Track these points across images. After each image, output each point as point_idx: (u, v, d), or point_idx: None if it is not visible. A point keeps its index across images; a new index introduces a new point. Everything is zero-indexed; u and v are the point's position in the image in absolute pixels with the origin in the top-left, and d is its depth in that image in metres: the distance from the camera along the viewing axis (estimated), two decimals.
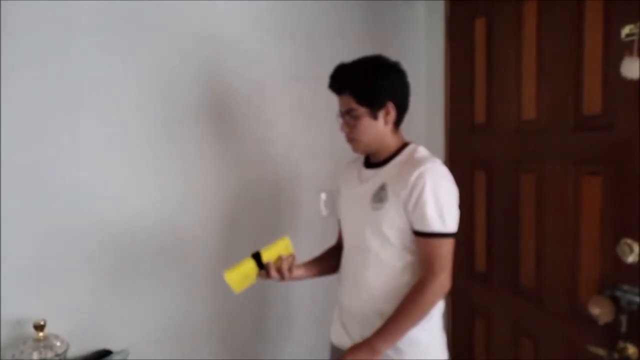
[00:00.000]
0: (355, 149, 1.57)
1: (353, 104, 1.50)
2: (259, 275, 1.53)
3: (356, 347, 1.44)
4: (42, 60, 1.61)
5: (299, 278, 1.62)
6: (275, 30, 2.08)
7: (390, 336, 1.43)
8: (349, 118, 1.52)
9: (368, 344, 1.43)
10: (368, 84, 1.50)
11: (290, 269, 1.54)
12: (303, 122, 2.18)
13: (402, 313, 1.43)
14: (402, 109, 1.55)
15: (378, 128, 1.52)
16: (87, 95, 1.70)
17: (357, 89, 1.50)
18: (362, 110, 1.50)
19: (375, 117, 1.51)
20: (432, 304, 1.44)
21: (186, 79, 1.88)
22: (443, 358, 1.57)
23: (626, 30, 1.50)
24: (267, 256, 1.50)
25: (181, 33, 1.86)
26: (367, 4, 2.29)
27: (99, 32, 1.70)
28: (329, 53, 2.14)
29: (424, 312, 1.43)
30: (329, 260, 1.73)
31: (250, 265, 1.48)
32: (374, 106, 1.50)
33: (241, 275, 1.48)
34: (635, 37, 1.47)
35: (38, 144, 1.63)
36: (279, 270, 1.53)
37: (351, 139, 1.56)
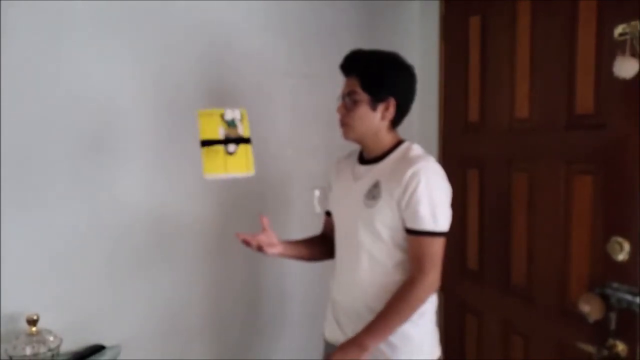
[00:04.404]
0: (346, 134, 1.57)
1: (357, 87, 1.51)
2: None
3: (345, 345, 1.45)
4: (40, 53, 1.62)
5: (277, 255, 1.62)
6: (270, 29, 2.08)
7: (378, 333, 1.44)
8: (348, 100, 1.53)
9: (356, 341, 1.44)
10: (377, 72, 1.51)
11: (269, 245, 1.56)
12: (297, 119, 2.18)
13: (391, 310, 1.44)
14: (402, 110, 1.55)
15: (374, 120, 1.52)
16: (85, 89, 1.71)
17: (365, 73, 1.51)
18: (363, 96, 1.50)
19: (374, 108, 1.51)
20: (421, 302, 1.45)
21: (180, 76, 1.88)
22: (436, 354, 1.58)
23: (619, 29, 1.50)
24: (205, 128, 1.42)
25: (174, 32, 1.86)
26: (362, 2, 2.29)
27: (95, 29, 1.71)
28: (324, 52, 2.15)
29: (412, 310, 1.44)
30: (310, 246, 1.74)
31: (209, 149, 1.41)
32: (375, 96, 1.50)
33: (213, 157, 1.41)
34: (628, 37, 1.47)
35: (36, 139, 1.63)
36: (259, 247, 1.55)
37: (344, 124, 1.56)
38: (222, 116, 1.44)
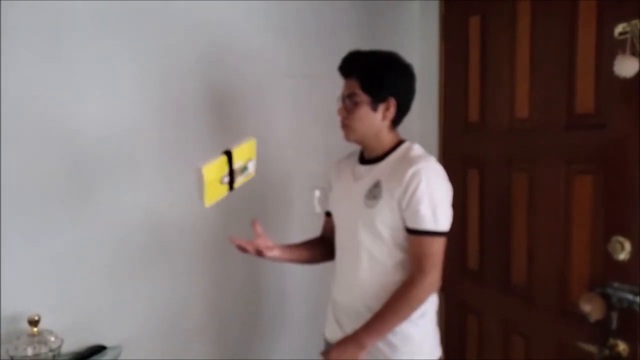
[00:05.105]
0: (347, 135, 1.57)
1: (356, 89, 1.50)
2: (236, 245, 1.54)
3: (343, 342, 1.46)
4: (40, 54, 1.62)
5: (274, 259, 1.61)
6: (270, 29, 2.08)
7: (376, 331, 1.44)
8: (348, 102, 1.53)
9: (355, 338, 1.44)
10: (376, 73, 1.50)
11: (266, 249, 1.55)
12: (296, 119, 2.18)
13: (390, 309, 1.44)
14: (402, 110, 1.55)
15: (375, 120, 1.52)
16: (85, 91, 1.71)
17: (364, 75, 1.50)
18: (363, 97, 1.50)
19: (374, 108, 1.51)
20: (420, 301, 1.45)
21: (180, 76, 1.88)
22: (437, 354, 1.58)
23: (619, 28, 1.51)
24: (239, 155, 1.47)
25: (175, 31, 1.86)
26: (362, 2, 2.29)
27: (95, 29, 1.71)
28: (324, 52, 2.15)
29: (411, 309, 1.44)
30: (309, 249, 1.74)
31: (224, 161, 1.44)
32: (376, 97, 1.50)
33: (217, 168, 1.42)
34: (628, 36, 1.47)
35: (36, 139, 1.63)
36: (258, 251, 1.54)
37: (345, 125, 1.55)
38: (250, 159, 1.51)
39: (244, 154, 1.48)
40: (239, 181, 1.50)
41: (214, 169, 1.40)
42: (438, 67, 2.34)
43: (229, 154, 1.43)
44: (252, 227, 1.58)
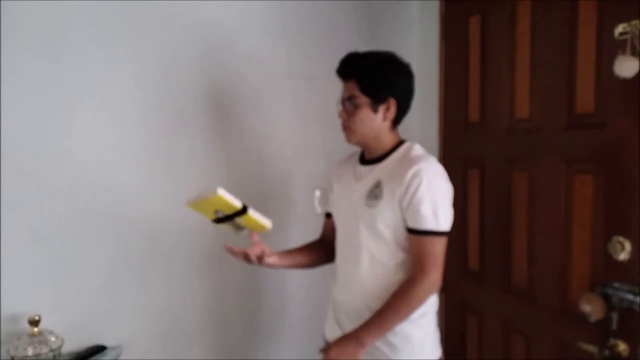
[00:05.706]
0: (349, 138, 1.57)
1: (356, 92, 1.50)
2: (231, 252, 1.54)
3: (343, 340, 1.45)
4: (39, 56, 1.62)
5: (271, 266, 1.61)
6: (270, 30, 2.08)
7: (376, 330, 1.44)
8: (349, 105, 1.52)
9: (354, 336, 1.44)
10: (375, 74, 1.50)
11: (262, 256, 1.55)
12: (297, 120, 2.18)
13: (390, 308, 1.44)
14: (402, 109, 1.55)
15: (376, 122, 1.52)
16: (85, 92, 1.71)
17: (363, 77, 1.50)
18: (363, 99, 1.50)
19: (375, 110, 1.51)
20: (421, 301, 1.45)
21: (181, 77, 1.89)
22: (437, 355, 1.58)
23: (619, 28, 1.50)
24: (247, 219, 1.46)
25: (175, 32, 1.86)
26: (362, 2, 2.29)
27: (95, 30, 1.71)
28: (324, 52, 2.15)
29: (412, 309, 1.44)
30: (308, 253, 1.73)
31: (235, 206, 1.41)
32: (376, 98, 1.50)
33: (225, 203, 1.40)
34: (628, 36, 1.47)
35: (36, 140, 1.63)
36: (259, 256, 1.54)
37: (346, 128, 1.55)
38: (251, 229, 1.50)
39: (253, 224, 1.48)
40: (225, 227, 1.50)
41: (224, 203, 1.39)
42: (438, 67, 2.34)
43: (245, 209, 1.42)
44: (248, 236, 1.58)
